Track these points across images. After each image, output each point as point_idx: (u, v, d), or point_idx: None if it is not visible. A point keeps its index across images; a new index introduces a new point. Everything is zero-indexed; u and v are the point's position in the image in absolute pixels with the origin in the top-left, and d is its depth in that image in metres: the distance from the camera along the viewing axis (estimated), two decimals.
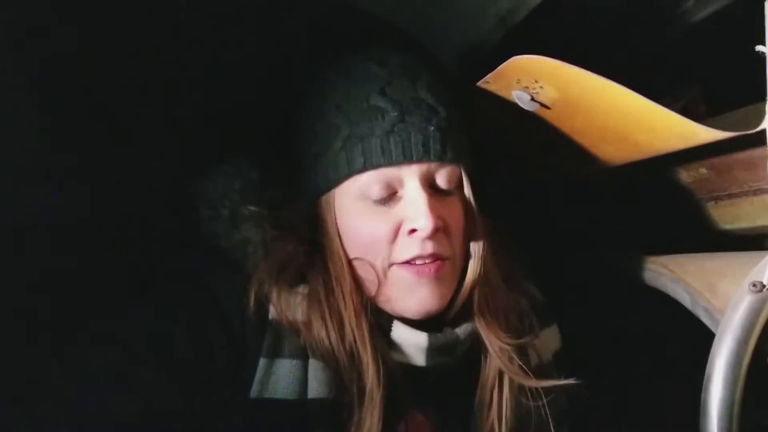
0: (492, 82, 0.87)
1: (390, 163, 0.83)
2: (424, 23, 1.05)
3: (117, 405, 0.80)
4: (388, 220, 0.85)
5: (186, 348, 0.83)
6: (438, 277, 0.87)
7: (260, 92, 1.06)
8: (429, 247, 0.85)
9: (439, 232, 0.85)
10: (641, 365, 1.26)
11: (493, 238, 0.94)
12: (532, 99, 0.88)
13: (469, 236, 0.91)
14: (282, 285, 0.88)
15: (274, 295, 0.88)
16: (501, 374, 0.95)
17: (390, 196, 0.85)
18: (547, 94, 0.85)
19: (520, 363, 0.94)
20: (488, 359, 0.95)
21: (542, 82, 0.81)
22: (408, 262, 0.86)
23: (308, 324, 0.87)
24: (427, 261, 0.86)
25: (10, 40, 0.82)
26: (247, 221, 0.90)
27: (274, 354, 0.88)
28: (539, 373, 0.99)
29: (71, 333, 0.78)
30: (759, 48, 0.67)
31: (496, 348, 0.92)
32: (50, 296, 0.87)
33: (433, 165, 0.84)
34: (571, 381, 0.96)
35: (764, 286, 0.77)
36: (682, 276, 0.97)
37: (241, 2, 0.97)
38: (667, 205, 1.18)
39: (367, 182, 0.83)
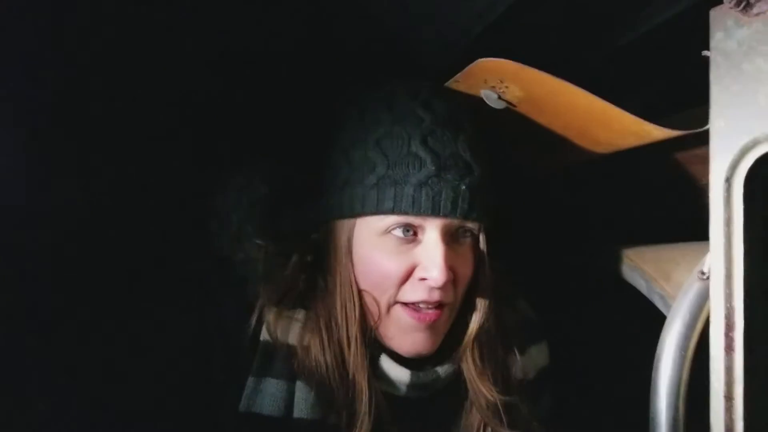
0: (461, 81, 0.92)
1: (418, 214, 0.87)
2: (400, 16, 1.09)
3: (121, 401, 0.85)
4: (403, 261, 0.88)
5: (189, 360, 0.88)
6: (435, 325, 0.92)
7: (287, 102, 1.09)
8: (435, 296, 0.89)
9: (448, 283, 0.89)
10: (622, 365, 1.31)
11: (496, 287, 0.98)
12: (499, 98, 0.93)
13: (475, 287, 0.95)
14: (281, 311, 0.92)
15: (271, 320, 0.92)
16: (483, 424, 1.00)
17: (411, 238, 0.89)
18: (513, 94, 0.90)
19: (501, 414, 0.98)
20: (472, 407, 1.00)
21: (507, 82, 0.86)
22: (411, 305, 0.90)
23: (306, 348, 0.91)
24: (429, 307, 0.91)
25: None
26: (251, 239, 0.93)
27: (262, 374, 0.92)
28: (521, 388, 1.04)
29: (84, 333, 0.82)
30: (704, 52, 0.73)
31: (482, 402, 0.97)
32: (65, 296, 0.90)
33: (457, 220, 0.88)
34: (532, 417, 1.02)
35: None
36: (639, 264, 1.03)
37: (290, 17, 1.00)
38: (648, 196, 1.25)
39: (392, 223, 0.87)
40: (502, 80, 0.86)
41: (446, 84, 0.94)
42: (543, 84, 0.82)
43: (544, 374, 1.09)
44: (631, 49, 1.07)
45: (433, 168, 0.86)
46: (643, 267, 1.02)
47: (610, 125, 0.84)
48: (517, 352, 1.03)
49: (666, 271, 0.98)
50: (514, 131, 1.03)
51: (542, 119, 0.94)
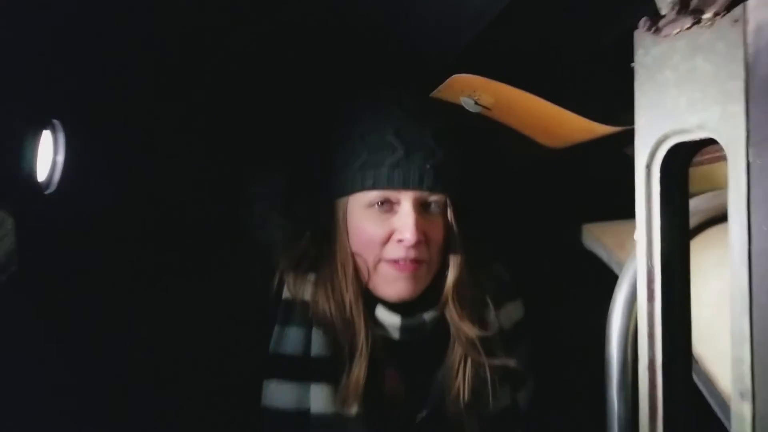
0: (442, 91, 1.11)
1: (393, 188, 1.10)
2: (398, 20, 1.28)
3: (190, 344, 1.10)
4: (384, 227, 1.14)
5: (234, 310, 1.12)
6: (414, 275, 1.17)
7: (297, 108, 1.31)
8: (411, 254, 1.14)
9: (421, 243, 1.13)
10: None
11: (468, 248, 1.21)
12: (476, 103, 1.12)
13: (448, 247, 1.20)
14: (297, 274, 1.18)
15: (290, 281, 1.16)
16: (465, 356, 1.23)
17: (389, 208, 1.14)
18: (486, 100, 1.09)
19: (479, 348, 1.22)
20: (455, 343, 1.23)
21: (479, 92, 1.05)
22: (393, 261, 1.15)
23: (316, 302, 1.16)
24: (407, 262, 1.15)
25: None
26: (274, 221, 1.16)
27: (285, 323, 1.18)
28: (498, 339, 1.27)
29: (154, 292, 1.04)
30: (632, 65, 0.91)
31: (463, 337, 1.21)
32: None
33: (425, 193, 1.12)
34: (513, 361, 1.24)
35: None
36: (601, 237, 1.22)
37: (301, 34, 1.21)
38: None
39: (373, 197, 1.11)
40: (474, 91, 1.05)
41: (430, 95, 1.13)
42: (506, 93, 1.01)
43: (519, 326, 1.32)
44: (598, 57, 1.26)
45: (403, 152, 1.09)
46: (603, 239, 1.20)
47: (564, 124, 1.03)
48: (492, 305, 1.25)
49: (621, 241, 1.17)
50: (495, 129, 1.23)
51: (511, 120, 1.13)
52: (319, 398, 1.16)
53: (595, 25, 1.07)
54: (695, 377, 0.89)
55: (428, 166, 1.11)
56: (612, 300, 1.04)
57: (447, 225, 1.18)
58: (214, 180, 1.25)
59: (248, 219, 1.22)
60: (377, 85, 1.24)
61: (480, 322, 1.27)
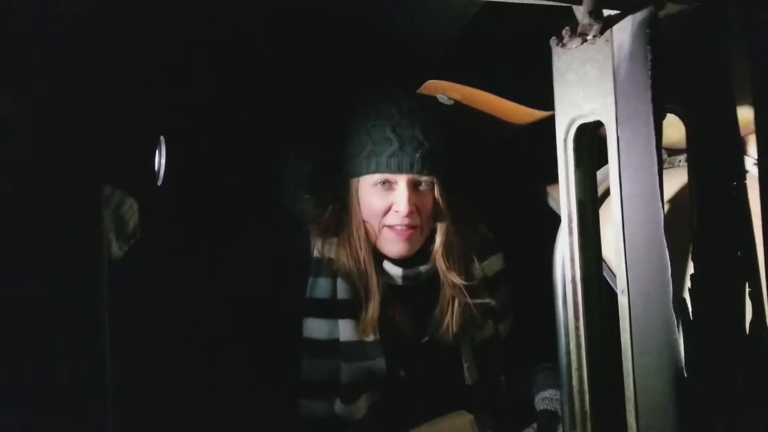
0: (423, 90, 1.47)
1: (391, 172, 1.46)
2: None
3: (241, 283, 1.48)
4: (385, 201, 1.51)
5: (277, 266, 1.51)
6: (409, 239, 1.55)
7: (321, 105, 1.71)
8: (405, 221, 1.52)
9: (413, 213, 1.51)
10: None
11: (456, 213, 1.57)
12: (448, 98, 1.48)
13: (436, 217, 1.56)
14: (325, 238, 1.55)
15: (318, 244, 1.56)
16: (453, 297, 1.61)
17: (389, 187, 1.50)
18: (455, 95, 1.45)
19: (464, 292, 1.59)
20: (444, 288, 1.60)
21: (448, 91, 1.41)
22: (392, 227, 1.51)
23: (338, 258, 1.53)
24: (403, 228, 1.51)
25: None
26: (303, 197, 1.54)
27: (317, 275, 1.56)
28: (482, 285, 1.65)
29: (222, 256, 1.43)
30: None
31: (450, 283, 1.58)
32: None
33: (415, 175, 1.48)
34: (493, 303, 1.61)
35: None
36: (552, 193, 1.58)
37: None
38: None
39: (377, 178, 1.49)
40: (445, 90, 1.41)
41: (416, 92, 1.50)
42: (467, 91, 1.37)
43: (500, 274, 1.68)
44: None
45: (398, 145, 1.46)
46: (553, 194, 1.55)
47: (512, 111, 1.39)
48: (477, 258, 1.62)
49: None
50: (470, 116, 1.59)
51: (477, 108, 1.49)
52: (345, 330, 1.56)
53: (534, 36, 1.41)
54: (606, 274, 1.24)
55: (417, 155, 1.49)
56: (556, 237, 1.40)
57: (435, 199, 1.56)
58: (262, 168, 1.64)
59: (285, 196, 1.61)
60: (379, 85, 1.60)
61: (465, 272, 1.64)
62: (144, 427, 1.09)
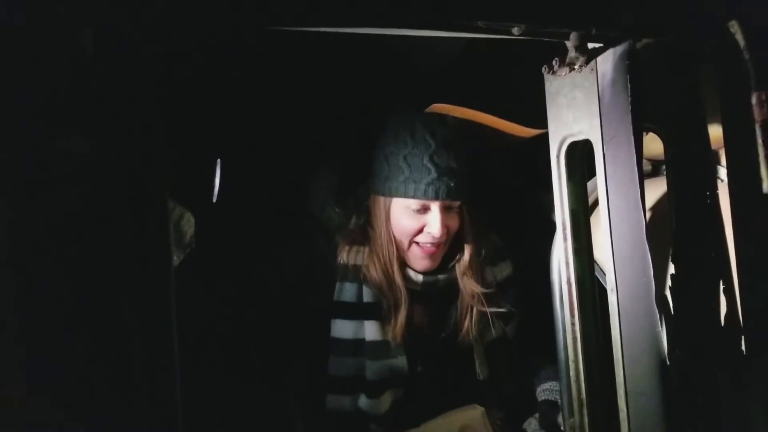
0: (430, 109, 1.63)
1: (429, 199, 1.61)
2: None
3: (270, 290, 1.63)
4: (418, 222, 1.67)
5: (307, 270, 1.66)
6: (434, 254, 1.69)
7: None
8: (436, 241, 1.64)
9: (443, 235, 1.63)
10: None
11: (476, 231, 1.72)
12: (452, 118, 1.63)
13: (459, 233, 1.70)
14: (349, 247, 1.69)
15: (344, 252, 1.72)
16: (471, 305, 1.74)
17: (423, 211, 1.66)
18: (458, 115, 1.60)
19: (482, 300, 1.73)
20: (464, 295, 1.74)
21: (451, 112, 1.56)
22: (421, 245, 1.65)
23: (368, 266, 1.69)
24: (431, 246, 1.65)
25: None
26: (331, 208, 1.68)
27: (343, 280, 1.71)
28: (495, 290, 1.79)
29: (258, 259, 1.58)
30: None
31: (470, 292, 1.72)
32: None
33: (447, 201, 1.62)
34: (505, 308, 1.76)
35: None
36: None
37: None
38: None
39: (413, 203, 1.66)
40: (448, 112, 1.56)
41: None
42: (467, 112, 1.51)
43: (509, 279, 1.82)
44: None
45: (436, 175, 1.60)
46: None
47: (509, 129, 1.53)
48: (490, 264, 1.76)
49: None
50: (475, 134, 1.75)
51: (479, 123, 1.65)
52: (371, 330, 1.70)
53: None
54: (597, 275, 1.37)
55: (452, 184, 1.63)
56: (553, 244, 1.54)
57: (463, 219, 1.71)
58: (293, 181, 1.81)
59: (314, 206, 1.76)
60: (407, 110, 1.76)
61: (482, 280, 1.78)
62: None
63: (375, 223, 1.72)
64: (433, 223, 1.65)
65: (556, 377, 1.69)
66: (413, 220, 1.68)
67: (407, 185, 1.64)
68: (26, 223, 0.82)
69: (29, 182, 0.82)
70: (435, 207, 1.65)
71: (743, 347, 1.19)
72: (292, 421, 1.67)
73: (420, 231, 1.68)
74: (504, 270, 1.86)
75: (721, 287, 1.20)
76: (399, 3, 1.01)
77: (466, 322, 1.77)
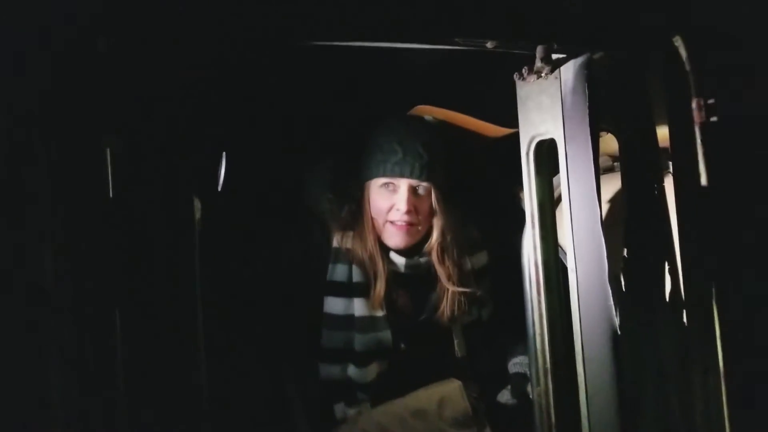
0: (413, 112, 1.79)
1: (395, 177, 1.81)
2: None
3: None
4: (388, 200, 1.85)
5: (304, 255, 1.85)
6: (408, 232, 1.87)
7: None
8: (404, 218, 1.85)
9: (411, 212, 1.83)
10: None
11: (449, 216, 1.89)
12: (433, 119, 1.80)
13: (433, 218, 1.87)
14: (342, 232, 1.88)
15: (337, 236, 1.90)
16: (448, 289, 1.92)
17: (393, 189, 1.84)
18: (437, 116, 1.77)
19: (455, 283, 1.91)
20: (439, 278, 1.91)
21: (432, 113, 1.73)
22: (392, 222, 1.81)
23: (355, 248, 1.88)
24: (402, 223, 1.82)
25: None
26: (324, 197, 1.85)
27: (335, 261, 1.89)
28: (471, 276, 1.96)
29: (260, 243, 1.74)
30: None
31: (444, 275, 1.89)
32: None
33: (414, 180, 1.80)
34: (479, 293, 1.93)
35: None
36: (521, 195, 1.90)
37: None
38: None
39: (383, 181, 1.86)
40: (430, 112, 1.73)
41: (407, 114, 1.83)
42: (445, 113, 1.68)
43: (485, 268, 2.00)
44: None
45: (401, 155, 1.78)
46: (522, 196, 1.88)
47: (484, 128, 1.70)
48: (467, 254, 1.94)
49: None
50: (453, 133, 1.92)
51: (458, 124, 1.81)
52: (359, 307, 1.88)
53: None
54: (561, 257, 1.55)
55: (417, 164, 1.83)
56: (524, 231, 1.71)
57: (431, 202, 1.89)
58: (292, 174, 1.97)
59: (309, 198, 1.93)
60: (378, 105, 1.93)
61: (457, 266, 1.96)
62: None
63: (361, 209, 1.89)
64: (400, 198, 1.84)
65: (525, 353, 1.87)
66: (384, 199, 1.87)
67: (378, 166, 1.85)
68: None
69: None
70: (402, 185, 1.84)
71: (684, 319, 1.38)
72: (285, 385, 1.85)
73: (391, 208, 1.85)
74: (481, 259, 2.03)
75: (666, 267, 1.39)
76: (386, 21, 1.16)
77: (443, 303, 1.95)
